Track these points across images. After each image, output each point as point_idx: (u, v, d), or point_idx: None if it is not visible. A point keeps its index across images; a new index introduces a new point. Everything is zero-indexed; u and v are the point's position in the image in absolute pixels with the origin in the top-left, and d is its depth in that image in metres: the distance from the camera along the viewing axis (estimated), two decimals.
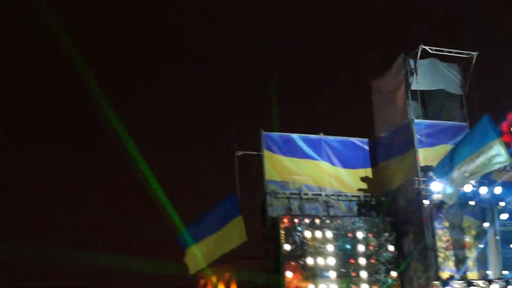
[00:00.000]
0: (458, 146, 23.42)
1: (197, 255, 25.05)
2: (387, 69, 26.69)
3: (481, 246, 24.15)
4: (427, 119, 25.73)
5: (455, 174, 22.77)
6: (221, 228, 24.62)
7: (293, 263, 23.66)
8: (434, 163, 24.32)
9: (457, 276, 23.51)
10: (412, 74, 25.41)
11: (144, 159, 25.49)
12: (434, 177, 23.73)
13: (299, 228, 23.90)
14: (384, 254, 24.73)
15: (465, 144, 22.94)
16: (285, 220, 23.90)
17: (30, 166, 41.13)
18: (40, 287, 35.24)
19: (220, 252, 24.79)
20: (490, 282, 23.45)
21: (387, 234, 24.89)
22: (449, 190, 23.26)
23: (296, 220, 24.03)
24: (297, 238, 23.83)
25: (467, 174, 22.59)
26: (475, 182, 23.93)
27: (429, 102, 26.55)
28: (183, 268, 25.27)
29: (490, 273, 23.92)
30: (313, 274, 23.58)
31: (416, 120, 25.00)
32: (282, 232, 23.68)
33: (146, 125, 39.70)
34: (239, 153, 25.59)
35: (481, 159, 22.24)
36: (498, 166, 22.64)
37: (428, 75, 26.06)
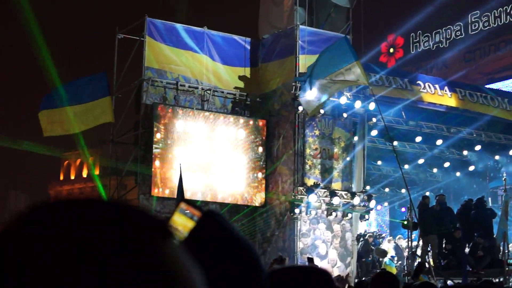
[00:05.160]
0: (317, 63, 23.22)
1: (55, 119, 24.61)
2: None
3: (348, 159, 24.63)
4: (311, 27, 25.65)
5: (315, 86, 22.82)
6: (87, 103, 24.05)
7: (162, 153, 23.47)
8: None
9: (321, 184, 23.94)
10: None
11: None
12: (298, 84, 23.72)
13: (172, 119, 23.65)
14: (251, 154, 24.90)
15: (324, 62, 22.79)
16: (160, 109, 23.59)
17: None
18: None
19: (82, 126, 24.25)
20: (353, 194, 24.02)
21: (256, 135, 25.03)
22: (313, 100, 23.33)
23: (170, 110, 23.78)
24: (169, 129, 23.59)
25: (326, 91, 22.67)
26: (351, 96, 24.17)
27: (316, 10, 26.45)
28: None
29: (353, 186, 24.52)
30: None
31: (301, 27, 24.94)
32: (156, 121, 23.38)
33: None
34: (120, 35, 24.91)
35: (340, 79, 22.34)
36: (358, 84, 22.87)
37: None
